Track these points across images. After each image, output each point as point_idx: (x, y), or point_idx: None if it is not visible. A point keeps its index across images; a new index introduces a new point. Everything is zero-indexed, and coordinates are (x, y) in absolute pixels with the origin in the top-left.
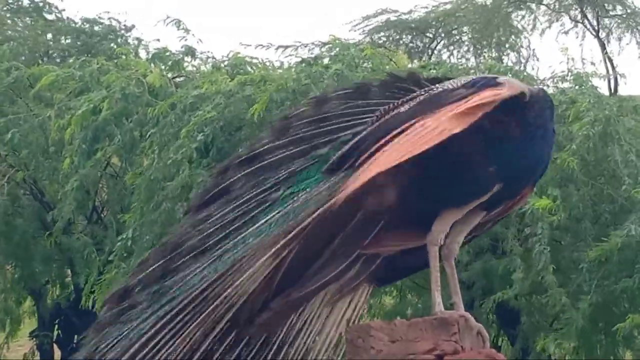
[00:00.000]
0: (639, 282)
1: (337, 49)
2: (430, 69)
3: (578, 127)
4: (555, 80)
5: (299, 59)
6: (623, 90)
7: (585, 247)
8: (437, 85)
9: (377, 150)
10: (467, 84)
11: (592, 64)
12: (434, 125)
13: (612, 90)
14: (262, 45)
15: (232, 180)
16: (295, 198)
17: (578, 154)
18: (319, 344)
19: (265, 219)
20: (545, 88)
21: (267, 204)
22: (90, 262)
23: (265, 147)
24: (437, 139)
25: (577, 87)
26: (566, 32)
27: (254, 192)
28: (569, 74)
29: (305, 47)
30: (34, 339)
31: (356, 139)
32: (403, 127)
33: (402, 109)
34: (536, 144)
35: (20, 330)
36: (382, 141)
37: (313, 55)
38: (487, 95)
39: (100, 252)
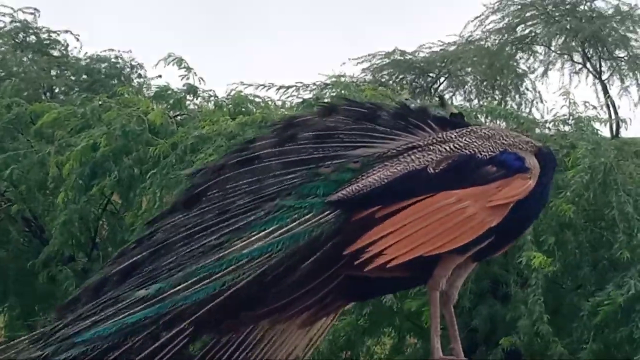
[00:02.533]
0: (636, 330)
1: (338, 89)
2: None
3: (573, 173)
4: (556, 123)
5: (301, 99)
6: (625, 133)
7: (585, 294)
8: (457, 137)
9: (398, 215)
10: (495, 159)
11: (594, 107)
12: (472, 211)
13: (614, 133)
14: (263, 85)
15: (228, 177)
16: (296, 216)
17: (573, 201)
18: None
19: (261, 230)
20: (546, 131)
21: (263, 212)
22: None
23: (266, 150)
24: (479, 232)
25: (576, 130)
26: (571, 75)
27: (250, 198)
28: (570, 117)
29: (307, 87)
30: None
31: (369, 185)
32: (427, 195)
33: (429, 168)
34: (535, 202)
35: None
36: (404, 204)
37: (314, 96)
38: (519, 190)
39: None
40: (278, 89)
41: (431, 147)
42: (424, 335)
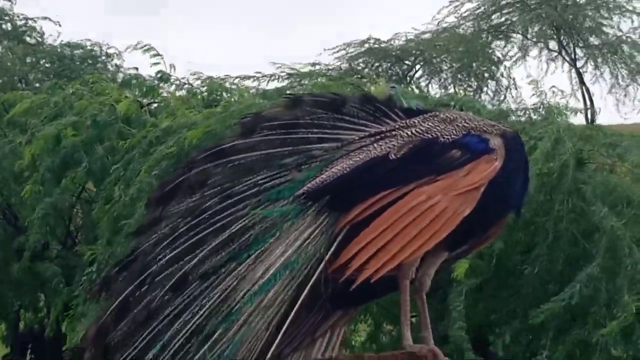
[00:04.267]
0: (586, 334)
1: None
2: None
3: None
4: (527, 112)
5: (273, 88)
6: (601, 119)
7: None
8: (420, 122)
9: (372, 224)
10: (458, 142)
11: (561, 92)
12: (443, 205)
13: (590, 120)
14: (222, 78)
15: (197, 176)
16: (274, 233)
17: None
18: None
19: (245, 260)
20: (517, 119)
21: (238, 228)
22: (58, 292)
23: (232, 143)
24: (454, 224)
25: (544, 119)
26: (547, 62)
27: (222, 203)
28: (541, 105)
29: (267, 77)
30: None
31: (332, 176)
32: (398, 193)
33: (390, 155)
34: (503, 185)
35: None
36: (374, 201)
37: (288, 85)
38: (485, 173)
39: (71, 278)
40: (235, 79)
41: (393, 133)
42: (399, 323)
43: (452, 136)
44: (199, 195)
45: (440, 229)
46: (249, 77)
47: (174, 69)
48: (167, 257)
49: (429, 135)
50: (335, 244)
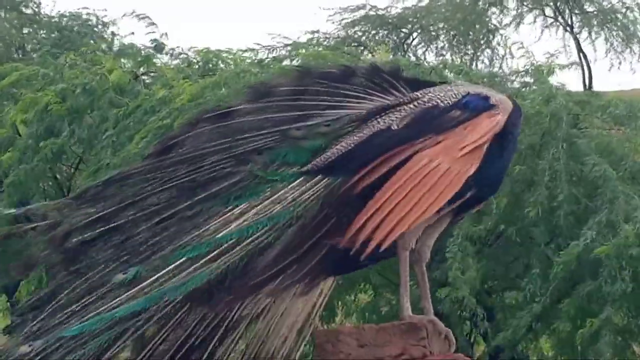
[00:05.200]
0: (598, 287)
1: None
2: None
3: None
4: (519, 75)
5: (272, 58)
6: (598, 85)
7: (537, 251)
8: (422, 94)
9: (378, 193)
10: (459, 104)
11: (551, 55)
12: (445, 167)
13: (587, 86)
14: (220, 50)
15: (199, 132)
16: (269, 193)
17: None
18: (283, 328)
19: (235, 207)
20: (514, 85)
21: (235, 179)
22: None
23: (239, 107)
24: (458, 185)
25: (535, 80)
26: (542, 29)
27: (222, 158)
28: (531, 67)
29: (266, 48)
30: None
31: (342, 149)
32: (401, 156)
33: (393, 126)
34: (510, 152)
35: None
36: (376, 164)
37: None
38: (488, 127)
39: None
40: (235, 53)
41: (397, 108)
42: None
43: (452, 99)
44: (198, 148)
45: (445, 190)
46: (247, 50)
47: (167, 37)
48: (158, 186)
49: (430, 104)
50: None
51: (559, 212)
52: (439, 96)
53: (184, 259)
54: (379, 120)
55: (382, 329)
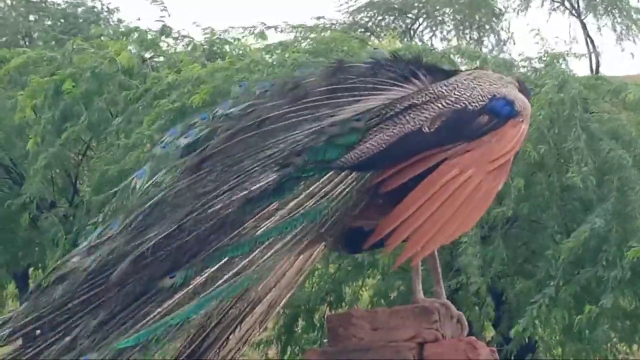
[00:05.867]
0: (601, 271)
1: (302, 33)
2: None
3: (536, 109)
4: (530, 62)
5: (277, 42)
6: (605, 71)
7: (551, 234)
8: (449, 91)
9: (406, 199)
10: (485, 108)
11: (563, 41)
12: (476, 181)
13: (594, 72)
14: (230, 28)
15: (238, 144)
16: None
17: (540, 139)
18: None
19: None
20: (522, 70)
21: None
22: (57, 241)
23: (278, 112)
24: (489, 201)
25: (546, 66)
26: (549, 12)
27: (260, 160)
28: (545, 54)
29: (272, 28)
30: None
31: (368, 151)
32: (432, 160)
33: (424, 128)
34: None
35: (2, 314)
36: (406, 164)
37: (295, 39)
38: (514, 140)
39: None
40: (243, 35)
41: (425, 106)
42: (408, 277)
43: (480, 102)
44: (234, 157)
45: (477, 207)
46: (251, 27)
47: (168, 14)
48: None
49: (458, 106)
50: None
51: (573, 195)
52: (465, 97)
53: (226, 258)
54: (408, 118)
55: (394, 313)
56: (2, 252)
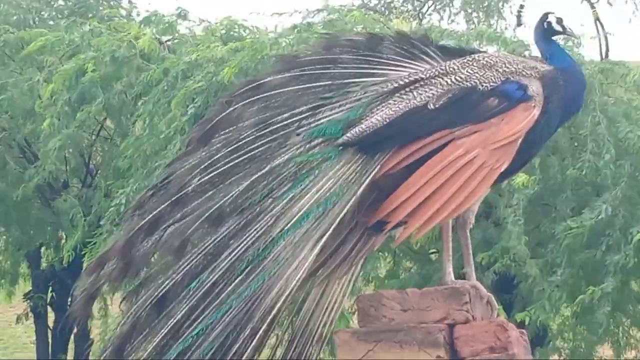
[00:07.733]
0: (600, 255)
1: (327, 14)
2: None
3: None
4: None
5: (291, 25)
6: (614, 55)
7: (562, 217)
8: (459, 68)
9: (411, 178)
10: (497, 91)
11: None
12: (480, 161)
13: (604, 55)
14: (256, 12)
15: (237, 111)
16: (314, 175)
17: None
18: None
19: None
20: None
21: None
22: (76, 222)
23: (273, 77)
24: (490, 181)
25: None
26: None
27: (262, 139)
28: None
29: (300, 13)
30: (28, 300)
31: (372, 126)
32: (439, 142)
33: (429, 105)
34: (541, 130)
35: (15, 293)
36: (414, 149)
37: (304, 22)
38: (523, 123)
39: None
40: (271, 15)
41: (433, 81)
42: (419, 260)
43: (491, 83)
44: (237, 128)
45: (478, 186)
46: (282, 14)
47: None
48: (202, 180)
49: (468, 84)
50: (367, 187)
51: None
52: (477, 75)
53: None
54: (415, 93)
55: (425, 294)
56: (15, 231)
